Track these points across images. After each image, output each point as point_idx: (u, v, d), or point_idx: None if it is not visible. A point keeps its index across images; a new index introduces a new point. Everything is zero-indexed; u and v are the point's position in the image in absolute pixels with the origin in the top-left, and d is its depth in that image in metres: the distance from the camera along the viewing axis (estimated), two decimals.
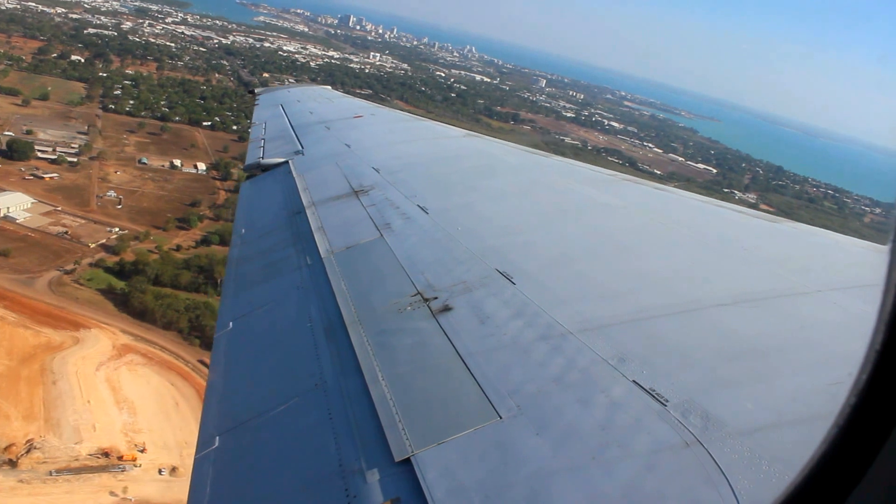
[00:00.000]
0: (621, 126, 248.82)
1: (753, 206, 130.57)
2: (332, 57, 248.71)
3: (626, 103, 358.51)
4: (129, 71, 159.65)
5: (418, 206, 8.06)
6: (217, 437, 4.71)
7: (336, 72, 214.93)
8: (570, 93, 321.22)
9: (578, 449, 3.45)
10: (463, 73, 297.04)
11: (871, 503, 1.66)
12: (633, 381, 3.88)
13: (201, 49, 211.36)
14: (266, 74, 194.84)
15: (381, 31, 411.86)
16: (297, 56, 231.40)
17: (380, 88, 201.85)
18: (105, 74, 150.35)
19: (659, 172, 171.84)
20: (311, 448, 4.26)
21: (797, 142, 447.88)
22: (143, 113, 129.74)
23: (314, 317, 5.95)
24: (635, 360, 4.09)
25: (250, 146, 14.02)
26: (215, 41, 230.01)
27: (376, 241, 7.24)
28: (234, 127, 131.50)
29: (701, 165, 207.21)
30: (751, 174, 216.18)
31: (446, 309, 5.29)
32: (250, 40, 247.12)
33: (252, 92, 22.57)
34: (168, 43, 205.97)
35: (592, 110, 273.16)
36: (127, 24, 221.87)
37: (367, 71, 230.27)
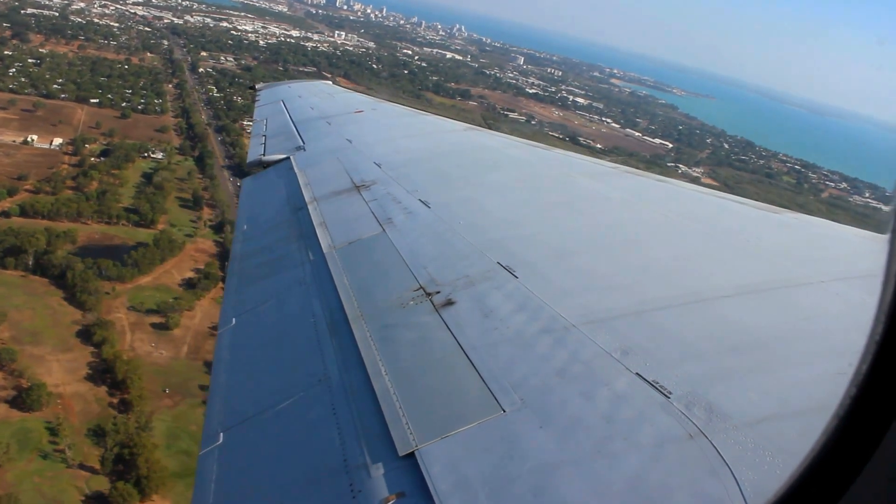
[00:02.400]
0: (586, 102, 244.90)
1: (695, 181, 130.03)
2: (290, 36, 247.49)
3: (612, 80, 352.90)
4: (43, 50, 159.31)
5: (420, 200, 8.10)
6: (221, 434, 4.76)
7: (283, 49, 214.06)
8: (548, 70, 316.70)
9: (582, 441, 3.46)
10: (436, 51, 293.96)
11: (872, 494, 1.63)
12: (637, 373, 3.88)
13: (146, 29, 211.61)
14: (204, 53, 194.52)
15: (367, 12, 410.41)
16: (250, 35, 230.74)
17: (325, 66, 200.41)
18: (10, 53, 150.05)
19: (600, 146, 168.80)
20: (316, 443, 4.32)
21: (796, 118, 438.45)
22: (27, 91, 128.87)
23: (317, 312, 6.01)
24: (638, 353, 4.11)
25: (252, 142, 14.24)
26: (166, 21, 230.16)
27: (378, 235, 7.30)
28: (124, 104, 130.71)
29: (657, 141, 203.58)
30: (711, 149, 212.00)
31: (449, 303, 5.32)
32: (207, 20, 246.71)
33: (252, 88, 22.47)
34: (112, 23, 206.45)
35: (564, 87, 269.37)
36: (79, 5, 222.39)
37: (319, 49, 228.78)
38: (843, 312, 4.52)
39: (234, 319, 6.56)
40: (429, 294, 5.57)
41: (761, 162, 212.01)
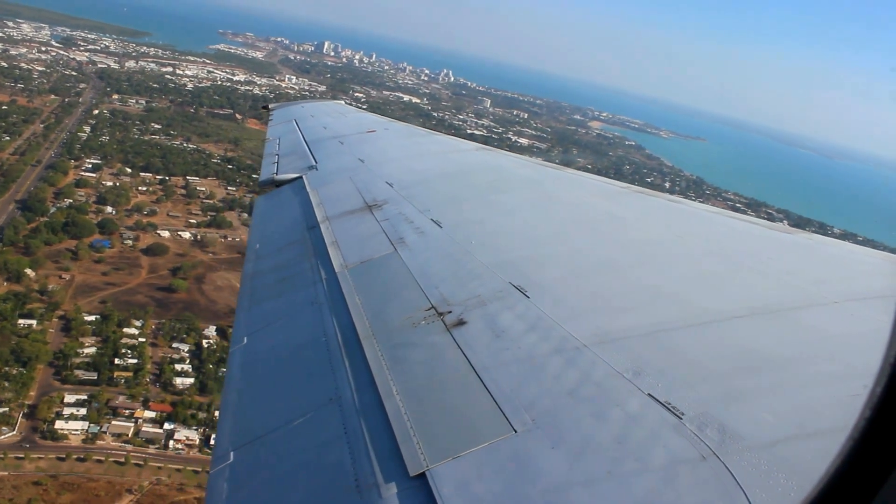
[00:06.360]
0: (528, 143, 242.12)
1: None
2: (231, 80, 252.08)
3: (591, 123, 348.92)
4: None
5: (432, 220, 8.16)
6: (232, 452, 4.80)
7: (208, 92, 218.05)
8: (514, 112, 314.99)
9: (594, 463, 3.45)
10: (394, 94, 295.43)
11: None
12: (649, 394, 3.88)
13: (72, 73, 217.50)
14: (116, 96, 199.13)
15: (354, 58, 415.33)
16: (184, 79, 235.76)
17: (244, 108, 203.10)
18: None
19: None
20: (326, 463, 4.36)
21: (793, 160, 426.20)
22: None
23: (328, 331, 6.04)
24: (651, 373, 4.11)
25: (264, 162, 14.33)
26: (101, 66, 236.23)
27: (390, 255, 7.33)
28: None
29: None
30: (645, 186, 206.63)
31: (460, 323, 5.33)
32: (151, 65, 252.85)
33: (266, 107, 22.59)
34: (38, 67, 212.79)
35: (517, 128, 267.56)
36: (19, 52, 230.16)
37: (252, 92, 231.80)
38: (858, 333, 4.39)
39: (245, 338, 6.52)
40: (440, 314, 5.53)
41: (699, 200, 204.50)
